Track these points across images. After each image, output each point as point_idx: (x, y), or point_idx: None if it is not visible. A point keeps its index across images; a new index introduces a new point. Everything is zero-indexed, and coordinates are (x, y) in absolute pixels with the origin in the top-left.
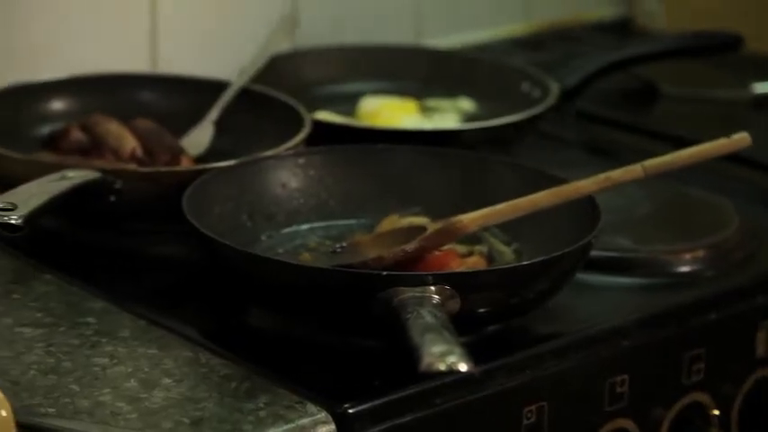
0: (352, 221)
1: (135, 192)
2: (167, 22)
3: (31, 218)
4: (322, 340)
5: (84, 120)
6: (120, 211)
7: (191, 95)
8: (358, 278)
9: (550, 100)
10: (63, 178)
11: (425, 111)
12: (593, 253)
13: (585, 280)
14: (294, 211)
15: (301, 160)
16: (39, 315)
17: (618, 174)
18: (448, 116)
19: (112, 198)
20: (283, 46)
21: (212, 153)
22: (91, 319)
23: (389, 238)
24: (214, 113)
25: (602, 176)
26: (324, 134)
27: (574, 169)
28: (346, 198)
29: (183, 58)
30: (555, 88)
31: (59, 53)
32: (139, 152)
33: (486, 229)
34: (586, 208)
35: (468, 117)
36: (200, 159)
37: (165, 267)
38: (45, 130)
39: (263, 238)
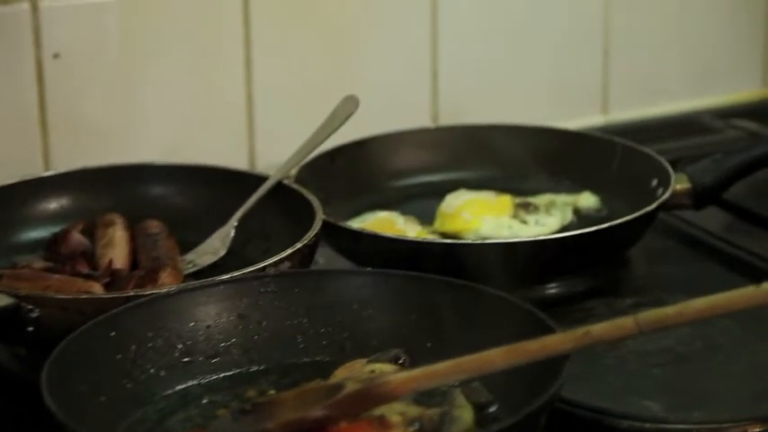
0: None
1: (54, 321)
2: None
3: None
4: None
5: (90, 220)
6: (38, 343)
7: (231, 188)
8: None
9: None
10: None
11: (525, 209)
12: None
13: None
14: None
15: (230, 290)
16: None
17: (601, 329)
18: (551, 219)
19: (30, 328)
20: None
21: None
22: None
23: (313, 395)
24: (239, 213)
25: (579, 331)
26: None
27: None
28: (288, 337)
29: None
30: (681, 187)
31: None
32: (119, 264)
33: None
34: None
35: (582, 218)
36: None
37: None
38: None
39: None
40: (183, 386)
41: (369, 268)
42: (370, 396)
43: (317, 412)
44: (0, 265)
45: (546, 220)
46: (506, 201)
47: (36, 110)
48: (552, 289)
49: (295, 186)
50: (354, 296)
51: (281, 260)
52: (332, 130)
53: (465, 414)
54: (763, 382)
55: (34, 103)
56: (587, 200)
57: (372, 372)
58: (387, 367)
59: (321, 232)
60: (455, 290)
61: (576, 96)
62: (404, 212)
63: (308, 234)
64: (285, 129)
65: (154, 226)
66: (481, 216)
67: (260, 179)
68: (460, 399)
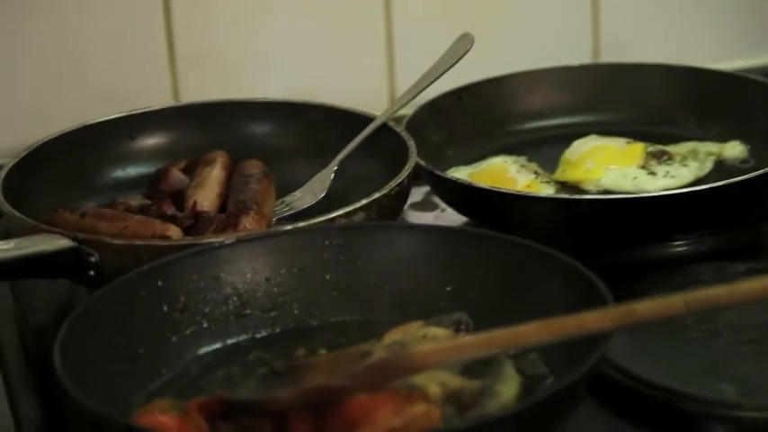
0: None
1: (113, 266)
2: None
3: None
4: None
5: (194, 158)
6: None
7: (339, 128)
8: None
9: None
10: (29, 243)
11: (657, 159)
12: None
13: None
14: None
15: (267, 246)
16: None
17: (646, 308)
18: (684, 170)
19: (91, 272)
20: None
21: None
22: None
23: (347, 362)
24: (341, 155)
25: (621, 309)
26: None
27: None
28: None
29: None
30: None
31: None
32: (205, 206)
33: None
34: None
35: (725, 170)
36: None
37: None
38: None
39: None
40: (232, 341)
41: (443, 224)
42: (394, 367)
43: (336, 383)
44: (104, 200)
45: (678, 171)
46: (638, 149)
47: (164, 42)
48: (677, 247)
49: (398, 130)
50: (423, 253)
51: (354, 211)
52: (443, 70)
53: (507, 389)
54: None
55: (162, 35)
56: (734, 150)
57: (425, 336)
58: (440, 332)
59: (428, 180)
60: (519, 249)
61: (744, 35)
62: (531, 158)
63: (390, 184)
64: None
65: (252, 166)
66: (605, 165)
67: (368, 120)
68: (509, 371)
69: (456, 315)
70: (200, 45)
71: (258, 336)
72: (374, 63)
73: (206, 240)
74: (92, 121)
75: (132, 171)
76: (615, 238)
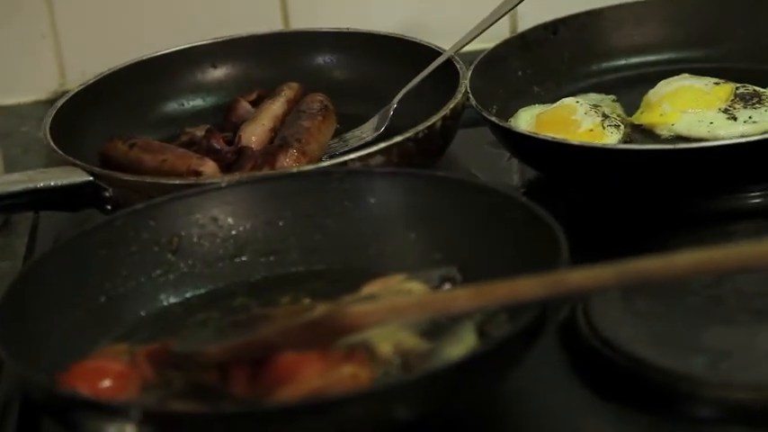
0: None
1: (128, 202)
2: None
3: None
4: None
5: (266, 90)
6: None
7: (406, 61)
8: None
9: None
10: (44, 176)
11: (744, 102)
12: None
13: None
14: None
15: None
16: None
17: (576, 277)
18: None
19: (108, 207)
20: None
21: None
22: None
23: (300, 315)
24: (403, 91)
25: (552, 278)
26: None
27: None
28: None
29: None
30: None
31: None
32: (252, 141)
33: None
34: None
35: None
36: None
37: None
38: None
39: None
40: (223, 285)
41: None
42: (327, 327)
43: (263, 339)
44: (175, 130)
45: (763, 116)
46: (725, 90)
47: None
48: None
49: (458, 66)
50: (424, 202)
51: (371, 154)
52: (512, 5)
53: (457, 351)
54: None
55: None
56: None
57: (400, 291)
58: (416, 287)
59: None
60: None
61: None
62: (621, 97)
63: (417, 127)
64: None
65: (312, 100)
66: (684, 108)
67: (436, 54)
68: (466, 333)
69: (445, 269)
70: None
71: (252, 280)
72: None
73: (208, 181)
74: (161, 52)
75: (207, 101)
76: (672, 188)
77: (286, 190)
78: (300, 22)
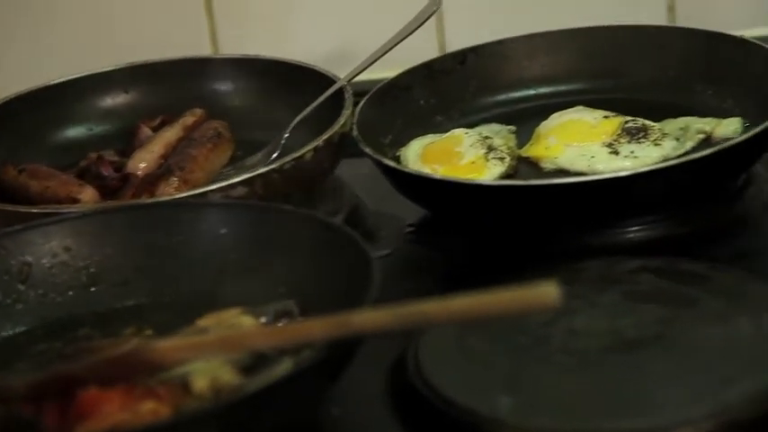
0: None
1: None
2: None
3: None
4: None
5: (170, 116)
6: None
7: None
8: None
9: None
10: None
11: (630, 136)
12: None
13: None
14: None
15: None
16: None
17: (361, 319)
18: (653, 149)
19: None
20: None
21: None
22: None
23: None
24: (297, 119)
25: (340, 319)
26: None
27: None
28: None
29: None
30: None
31: None
32: (141, 168)
33: None
34: None
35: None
36: None
37: None
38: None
39: None
40: (69, 315)
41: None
42: (133, 362)
43: (65, 373)
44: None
45: (645, 150)
46: (612, 124)
47: None
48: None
49: (346, 96)
50: (257, 234)
51: (232, 185)
52: (408, 32)
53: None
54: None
55: None
56: (728, 128)
57: (232, 324)
58: (247, 321)
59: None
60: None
61: None
62: (521, 128)
63: (282, 160)
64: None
65: (208, 128)
66: (568, 142)
67: (331, 81)
68: (280, 369)
69: (283, 303)
70: None
71: (100, 311)
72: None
73: (55, 210)
74: (72, 77)
75: (116, 126)
76: (543, 223)
77: (139, 220)
78: (229, 48)
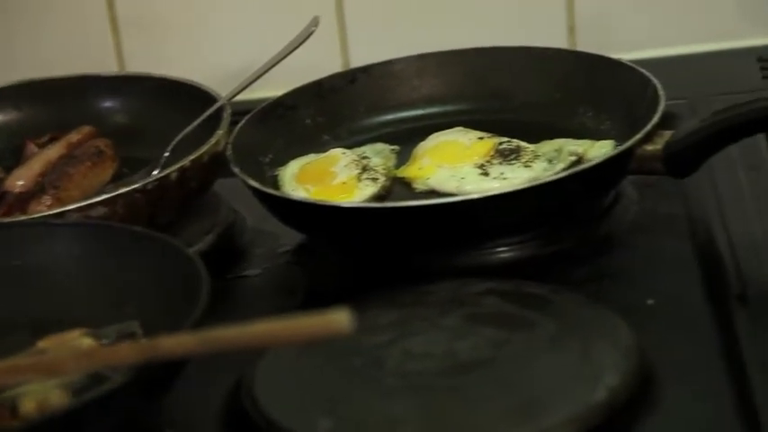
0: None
1: None
2: None
3: None
4: None
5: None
6: None
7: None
8: None
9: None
10: None
11: (502, 157)
12: None
13: None
14: None
15: None
16: None
17: (169, 343)
18: (523, 171)
19: None
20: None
21: None
22: None
23: None
24: (177, 139)
25: (147, 344)
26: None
27: None
28: None
29: None
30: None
31: None
32: (18, 186)
33: None
34: None
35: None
36: None
37: None
38: None
39: None
40: None
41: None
42: None
43: None
44: None
45: (515, 172)
46: (486, 146)
47: (104, 7)
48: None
49: (224, 115)
50: (110, 254)
51: (92, 205)
52: (288, 52)
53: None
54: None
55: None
56: (600, 149)
57: (72, 347)
58: (87, 343)
59: None
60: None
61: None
62: (404, 148)
63: (145, 180)
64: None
65: (91, 145)
66: (441, 163)
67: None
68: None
69: (126, 324)
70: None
71: None
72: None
73: None
74: None
75: (6, 143)
76: (405, 244)
77: None
78: (137, 64)
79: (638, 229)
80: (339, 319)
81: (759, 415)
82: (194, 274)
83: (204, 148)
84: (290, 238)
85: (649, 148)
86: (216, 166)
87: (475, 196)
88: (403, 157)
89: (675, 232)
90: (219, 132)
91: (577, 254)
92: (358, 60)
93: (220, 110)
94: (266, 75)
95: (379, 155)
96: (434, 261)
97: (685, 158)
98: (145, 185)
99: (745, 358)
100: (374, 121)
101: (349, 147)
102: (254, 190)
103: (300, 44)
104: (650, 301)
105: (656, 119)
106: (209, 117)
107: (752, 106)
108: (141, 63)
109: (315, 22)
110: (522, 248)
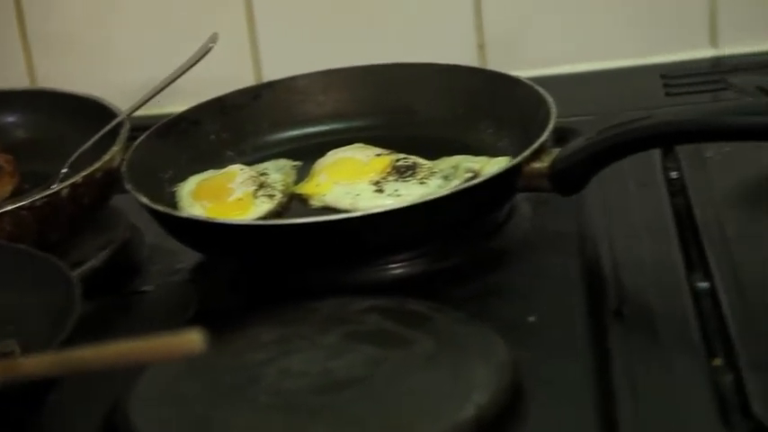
0: None
1: None
2: None
3: None
4: None
5: None
6: None
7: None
8: None
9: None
10: None
11: (399, 174)
12: None
13: None
14: None
15: None
16: None
17: (30, 363)
18: (417, 188)
19: None
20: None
21: None
22: None
23: None
24: (75, 155)
25: (9, 363)
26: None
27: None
28: None
29: None
30: (539, 166)
31: None
32: None
33: None
34: None
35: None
36: None
37: None
38: None
39: None
40: None
41: None
42: None
43: None
44: None
45: (409, 189)
46: (382, 162)
47: (15, 24)
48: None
49: (121, 131)
50: None
51: None
52: (186, 68)
53: None
54: None
55: (12, 18)
56: (495, 166)
57: None
58: None
59: None
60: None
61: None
62: (307, 164)
63: (32, 197)
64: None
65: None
66: (337, 179)
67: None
68: None
69: (5, 343)
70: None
71: None
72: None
73: None
74: None
75: None
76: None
77: None
78: (48, 80)
79: (528, 246)
80: (192, 339)
81: (619, 429)
82: (66, 291)
83: (97, 165)
84: (188, 254)
85: (537, 165)
86: (111, 181)
87: (359, 213)
88: (304, 174)
89: (564, 249)
90: (114, 149)
91: (466, 271)
92: (271, 76)
93: (119, 125)
94: (176, 91)
95: (280, 171)
96: (325, 278)
97: (571, 176)
98: (33, 202)
99: (613, 373)
100: (278, 137)
101: (252, 163)
102: (145, 206)
103: (199, 60)
104: (531, 318)
105: (544, 136)
106: (110, 132)
107: (635, 125)
108: (53, 80)
109: (213, 39)
110: (413, 265)
